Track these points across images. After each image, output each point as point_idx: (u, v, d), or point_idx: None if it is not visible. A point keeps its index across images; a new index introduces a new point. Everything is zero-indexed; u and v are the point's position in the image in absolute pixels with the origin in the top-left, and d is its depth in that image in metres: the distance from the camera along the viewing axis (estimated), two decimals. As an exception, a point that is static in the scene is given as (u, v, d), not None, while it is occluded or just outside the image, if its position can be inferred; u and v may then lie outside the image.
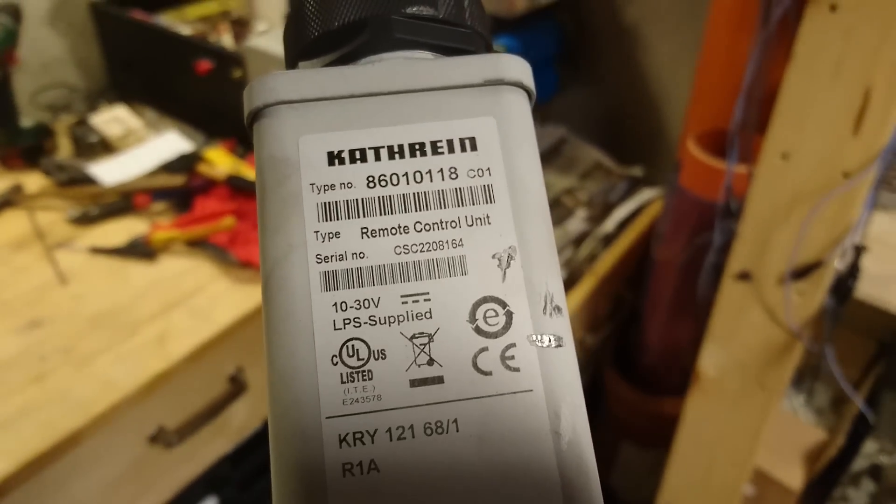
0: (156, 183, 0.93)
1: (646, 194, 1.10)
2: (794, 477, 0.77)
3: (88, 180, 0.95)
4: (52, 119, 1.08)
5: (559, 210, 1.09)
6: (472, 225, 0.16)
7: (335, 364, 0.15)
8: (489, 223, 0.16)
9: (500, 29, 1.05)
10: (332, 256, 0.16)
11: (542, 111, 1.22)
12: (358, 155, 0.16)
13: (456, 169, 0.16)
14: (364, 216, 0.16)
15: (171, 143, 1.02)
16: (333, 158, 0.16)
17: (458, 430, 0.14)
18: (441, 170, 0.16)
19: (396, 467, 0.14)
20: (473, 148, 0.17)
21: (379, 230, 0.16)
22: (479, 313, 0.15)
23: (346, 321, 0.15)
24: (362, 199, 0.16)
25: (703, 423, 0.76)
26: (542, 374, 0.15)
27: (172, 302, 0.79)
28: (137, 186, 0.93)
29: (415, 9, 0.18)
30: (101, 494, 0.75)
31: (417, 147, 0.17)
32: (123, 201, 0.91)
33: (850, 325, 0.72)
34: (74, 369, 0.72)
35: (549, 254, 0.16)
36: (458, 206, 0.16)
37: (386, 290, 0.15)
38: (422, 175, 0.16)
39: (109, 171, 0.96)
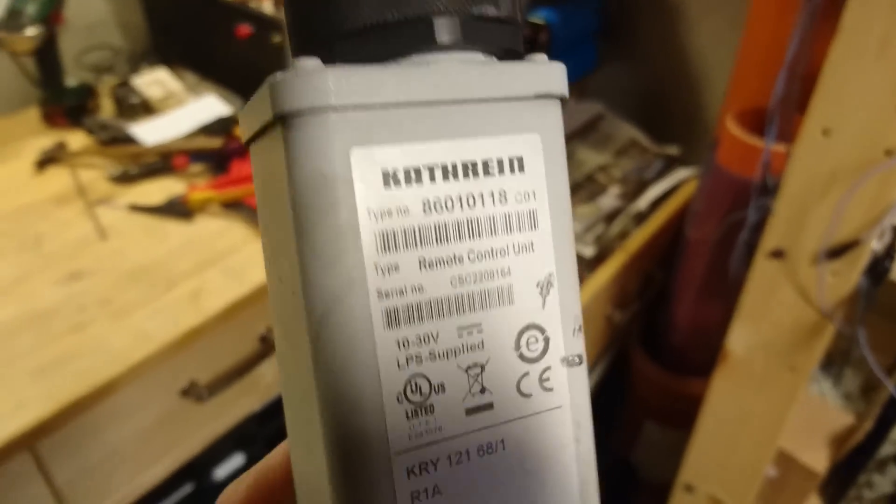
0: (194, 145, 0.95)
1: (681, 173, 1.09)
2: (818, 460, 0.76)
3: (129, 140, 0.97)
4: (95, 79, 1.10)
5: (592, 186, 1.08)
6: (518, 253, 0.16)
7: (400, 402, 0.15)
8: (533, 250, 0.16)
9: (540, 2, 1.03)
10: (392, 291, 0.15)
11: (580, 86, 1.21)
12: (413, 175, 0.15)
13: (505, 192, 0.16)
14: (421, 246, 0.15)
15: (210, 106, 1.03)
16: (388, 178, 0.15)
17: (504, 449, 0.16)
18: (492, 192, 0.16)
19: (456, 488, 0.16)
20: (521, 168, 0.16)
21: (436, 261, 0.15)
22: (523, 341, 0.16)
23: (409, 359, 0.15)
24: (419, 227, 0.15)
25: (728, 402, 0.75)
26: (569, 391, 0.17)
27: (207, 260, 0.81)
28: (176, 148, 0.94)
29: (481, 9, 0.16)
30: (134, 442, 0.77)
31: (470, 167, 0.16)
32: (162, 162, 0.93)
33: (885, 312, 0.71)
34: (112, 321, 0.74)
35: (576, 275, 0.17)
36: (507, 233, 0.16)
37: (444, 324, 0.16)
38: (474, 199, 0.16)
39: (150, 132, 0.98)
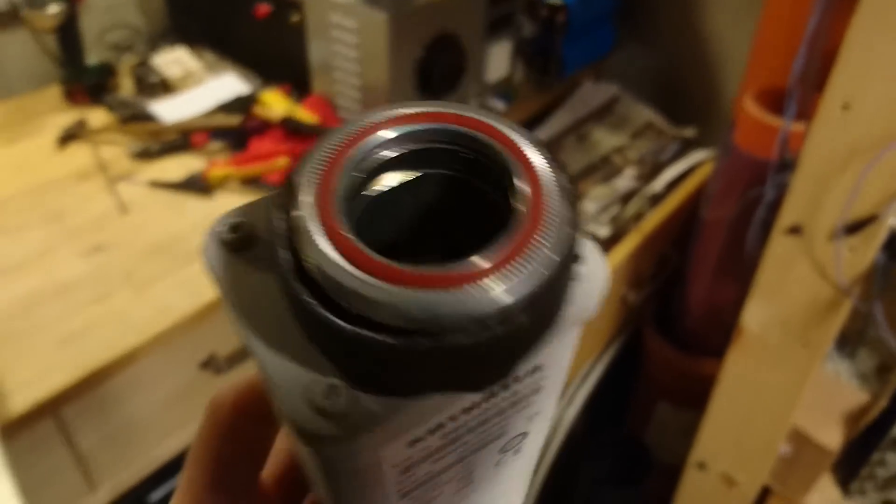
0: (213, 122, 0.96)
1: (697, 156, 1.09)
2: (832, 438, 0.76)
3: (149, 117, 0.98)
4: (115, 58, 1.11)
5: (608, 168, 1.08)
6: (519, 415, 0.18)
7: None
8: (539, 416, 0.19)
9: (557, -19, 1.03)
10: (409, 485, 0.17)
11: (597, 68, 1.21)
12: (435, 427, 0.16)
13: (517, 392, 0.17)
14: (437, 456, 0.17)
15: (229, 84, 1.04)
16: (414, 442, 0.16)
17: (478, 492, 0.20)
18: (505, 398, 0.17)
19: None
20: (538, 371, 0.16)
21: (446, 453, 0.17)
22: (507, 446, 0.19)
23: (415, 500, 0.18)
24: (436, 449, 0.16)
25: (743, 379, 0.76)
26: (528, 444, 0.20)
27: (226, 235, 0.82)
28: (195, 125, 0.95)
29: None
30: (154, 412, 0.79)
31: (489, 392, 0.16)
32: (182, 139, 0.94)
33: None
34: (134, 293, 0.75)
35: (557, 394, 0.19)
36: (515, 412, 0.17)
37: (446, 474, 0.18)
38: (489, 411, 0.16)
39: (169, 110, 0.99)
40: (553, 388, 0.18)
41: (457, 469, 0.18)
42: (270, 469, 0.23)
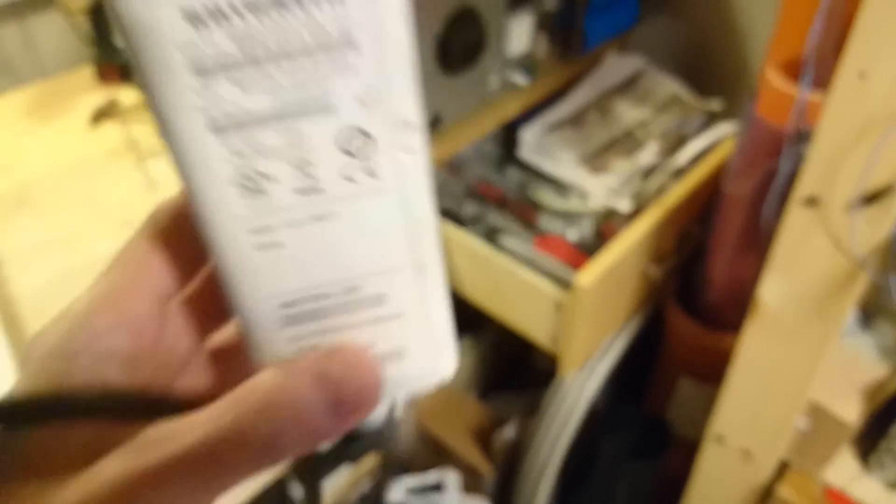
0: (238, 100, 0.98)
1: (722, 129, 1.07)
2: (850, 412, 0.76)
3: (177, 97, 1.00)
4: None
5: (629, 142, 1.07)
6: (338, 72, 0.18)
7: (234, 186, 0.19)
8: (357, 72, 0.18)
9: (580, -47, 1.02)
10: (211, 106, 0.18)
11: (621, 41, 1.20)
12: (215, 12, 0.17)
13: (319, 24, 0.17)
14: (233, 70, 0.18)
15: (253, 63, 1.06)
16: (195, 21, 0.17)
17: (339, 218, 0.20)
18: (304, 24, 0.17)
19: (296, 243, 0.20)
20: (341, 2, 0.17)
21: (251, 83, 0.18)
22: (347, 141, 0.19)
23: (238, 155, 0.19)
24: (233, 63, 0.17)
25: (759, 353, 0.75)
26: (396, 178, 0.19)
27: (250, 211, 0.84)
28: (221, 103, 0.98)
29: None
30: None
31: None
32: (208, 117, 0.97)
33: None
34: (161, 266, 0.78)
35: (410, 83, 0.19)
36: (325, 53, 0.18)
37: (266, 130, 0.18)
38: (287, 32, 0.17)
39: (196, 89, 1.01)
40: (378, 56, 0.18)
41: (278, 139, 0.18)
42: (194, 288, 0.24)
